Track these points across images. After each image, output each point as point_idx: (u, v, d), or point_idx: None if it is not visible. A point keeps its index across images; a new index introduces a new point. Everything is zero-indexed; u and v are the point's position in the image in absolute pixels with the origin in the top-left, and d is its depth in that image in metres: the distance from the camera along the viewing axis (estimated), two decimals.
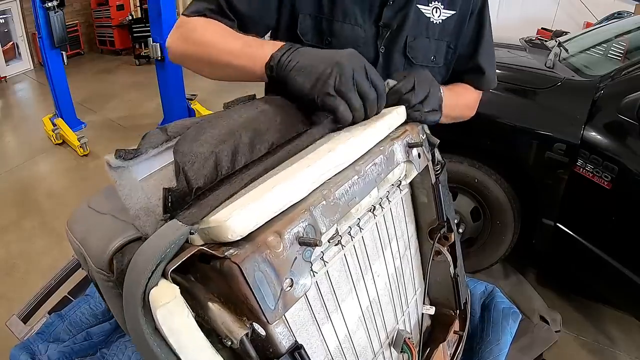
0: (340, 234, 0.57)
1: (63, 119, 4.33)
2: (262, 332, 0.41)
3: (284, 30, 0.93)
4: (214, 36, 0.80)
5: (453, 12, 0.95)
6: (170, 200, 0.44)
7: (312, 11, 0.90)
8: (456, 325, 0.93)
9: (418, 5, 0.92)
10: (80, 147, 4.00)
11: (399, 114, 0.71)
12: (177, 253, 0.38)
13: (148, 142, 0.47)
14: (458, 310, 0.93)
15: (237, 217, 0.41)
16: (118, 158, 0.43)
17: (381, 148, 0.63)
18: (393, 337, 0.78)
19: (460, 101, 1.01)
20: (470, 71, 1.03)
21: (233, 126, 0.55)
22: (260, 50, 0.73)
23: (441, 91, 0.78)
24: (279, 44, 0.73)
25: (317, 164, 0.51)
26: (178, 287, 0.37)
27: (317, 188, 0.50)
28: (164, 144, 0.50)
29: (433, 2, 0.93)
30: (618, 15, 4.66)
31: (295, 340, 0.44)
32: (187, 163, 0.47)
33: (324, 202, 0.49)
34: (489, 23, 1.02)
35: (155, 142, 0.48)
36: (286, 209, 0.46)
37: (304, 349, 0.44)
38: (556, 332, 2.01)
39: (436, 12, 0.93)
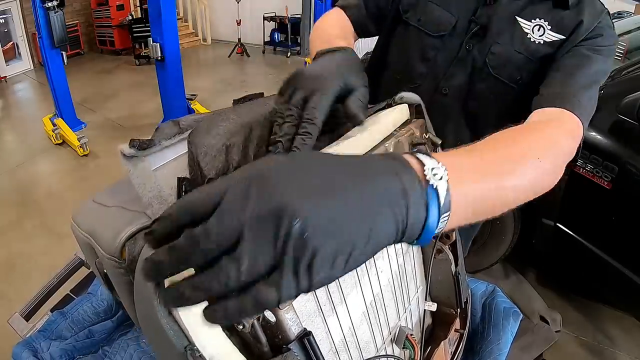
0: None
1: (63, 119, 4.34)
2: (272, 317, 0.42)
3: (395, 6, 0.98)
4: (322, 25, 0.98)
5: (561, 37, 0.84)
6: (184, 189, 0.44)
7: None
8: (457, 324, 0.94)
9: (518, 17, 0.87)
10: (80, 147, 4.01)
11: (402, 112, 0.72)
12: None
13: (161, 133, 0.48)
14: (459, 309, 0.94)
15: None
16: (132, 148, 0.44)
17: (386, 145, 0.64)
18: (395, 333, 0.78)
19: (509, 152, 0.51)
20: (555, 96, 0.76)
21: (244, 121, 0.56)
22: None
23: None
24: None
25: None
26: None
27: None
28: (176, 136, 0.51)
29: (536, 19, 0.85)
30: (618, 15, 4.67)
31: (304, 328, 0.45)
32: (201, 154, 0.48)
33: None
34: (604, 61, 0.82)
35: (168, 134, 0.49)
36: None
37: (313, 336, 0.45)
38: (556, 332, 2.02)
39: (539, 30, 0.85)
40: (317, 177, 0.31)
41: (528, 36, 0.86)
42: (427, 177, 0.35)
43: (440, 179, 0.36)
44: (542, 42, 0.85)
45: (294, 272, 0.29)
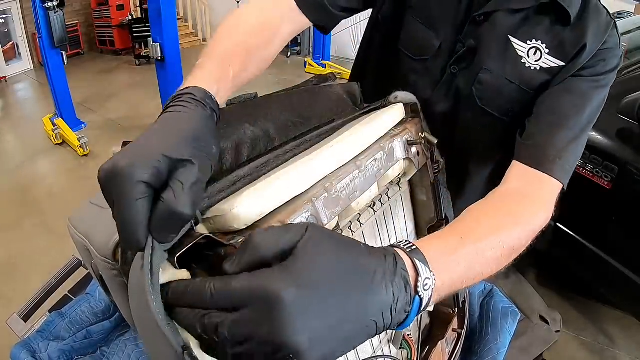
0: (341, 227, 0.58)
1: (63, 119, 4.34)
2: None
3: (374, 14, 0.85)
4: (224, 28, 0.68)
5: (559, 64, 0.73)
6: None
7: None
8: (455, 324, 0.94)
9: (511, 37, 0.74)
10: (80, 147, 4.00)
11: (398, 111, 0.72)
12: (183, 242, 0.38)
13: None
14: (457, 309, 0.94)
15: (242, 206, 0.41)
16: None
17: (381, 144, 0.63)
18: (392, 333, 0.78)
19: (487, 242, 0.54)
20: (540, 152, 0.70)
21: (237, 122, 0.56)
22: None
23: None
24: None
25: (320, 157, 0.52)
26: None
27: (319, 181, 0.51)
28: None
29: (532, 41, 0.73)
30: (618, 16, 4.67)
31: None
32: None
33: (326, 195, 0.49)
34: (597, 105, 0.73)
35: None
36: (289, 200, 0.47)
37: None
38: (556, 332, 2.01)
39: (535, 53, 0.73)
40: (325, 317, 0.33)
41: (522, 61, 0.74)
42: (419, 290, 0.39)
43: (428, 289, 0.40)
44: (538, 68, 0.74)
45: None
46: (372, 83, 0.91)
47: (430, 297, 0.40)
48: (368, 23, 0.89)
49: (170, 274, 0.35)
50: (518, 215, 0.60)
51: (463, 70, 0.78)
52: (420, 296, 0.39)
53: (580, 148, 0.72)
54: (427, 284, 0.40)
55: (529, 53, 0.73)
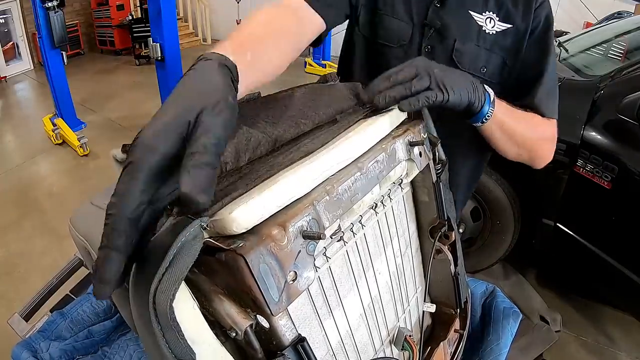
0: (342, 230, 0.58)
1: (63, 119, 4.33)
2: (265, 324, 0.42)
3: (352, 22, 0.99)
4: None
5: (508, 26, 0.92)
6: None
7: (368, 3, 0.96)
8: (457, 324, 0.94)
9: (470, 12, 0.92)
10: (80, 147, 4.01)
11: (400, 112, 0.71)
12: None
13: None
14: (458, 309, 0.93)
15: (242, 210, 0.41)
16: (124, 152, 0.44)
17: (383, 146, 0.63)
18: (394, 334, 0.78)
19: (520, 119, 0.89)
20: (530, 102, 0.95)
21: (238, 123, 0.56)
22: None
23: (486, 88, 0.78)
24: None
25: (321, 159, 0.52)
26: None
27: (320, 183, 0.51)
28: None
29: (487, 12, 0.92)
30: (618, 15, 4.67)
31: (299, 334, 0.45)
32: None
33: (327, 198, 0.49)
34: (553, 49, 0.95)
35: None
36: (290, 204, 0.47)
37: (307, 342, 0.45)
38: (556, 332, 2.02)
39: (489, 22, 0.92)
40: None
41: (484, 28, 0.92)
42: (487, 90, 0.78)
43: (492, 96, 0.78)
44: (494, 32, 0.92)
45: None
46: (358, 79, 0.97)
47: (493, 99, 0.79)
48: (346, 32, 1.02)
49: None
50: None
51: (437, 46, 0.94)
52: (489, 92, 0.78)
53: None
54: (490, 94, 0.78)
55: (486, 22, 0.92)
